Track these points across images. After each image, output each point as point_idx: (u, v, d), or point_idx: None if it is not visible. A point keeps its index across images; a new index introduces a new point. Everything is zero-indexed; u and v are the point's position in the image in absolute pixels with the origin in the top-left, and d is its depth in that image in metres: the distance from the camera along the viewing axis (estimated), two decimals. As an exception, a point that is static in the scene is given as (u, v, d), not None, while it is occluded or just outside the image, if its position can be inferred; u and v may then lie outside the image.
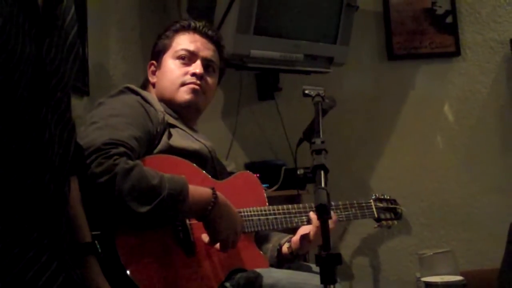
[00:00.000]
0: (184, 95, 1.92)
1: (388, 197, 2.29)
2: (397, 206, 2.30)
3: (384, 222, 2.25)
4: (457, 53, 3.41)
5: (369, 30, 3.43)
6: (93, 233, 1.45)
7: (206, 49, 1.98)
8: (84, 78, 2.27)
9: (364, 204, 2.17)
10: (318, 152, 1.38)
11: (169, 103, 1.93)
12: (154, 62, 2.02)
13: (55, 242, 1.17)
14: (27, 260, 1.10)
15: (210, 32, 2.01)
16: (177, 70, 1.94)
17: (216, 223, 1.65)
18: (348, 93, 3.33)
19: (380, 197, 2.27)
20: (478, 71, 3.42)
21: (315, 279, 1.18)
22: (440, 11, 3.42)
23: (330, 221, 1.90)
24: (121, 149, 1.55)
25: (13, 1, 1.08)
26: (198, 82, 1.93)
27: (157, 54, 2.01)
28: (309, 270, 1.96)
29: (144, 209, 1.49)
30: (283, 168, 2.92)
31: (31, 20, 1.13)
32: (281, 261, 2.01)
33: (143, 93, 1.86)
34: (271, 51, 2.77)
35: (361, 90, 3.40)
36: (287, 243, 2.01)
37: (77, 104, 2.14)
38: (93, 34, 2.35)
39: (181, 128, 1.88)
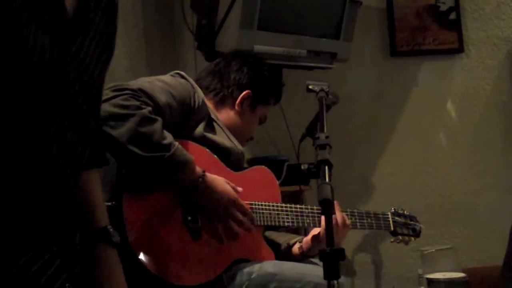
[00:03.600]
0: (243, 145, 2.03)
1: (407, 213, 2.24)
2: (416, 223, 2.24)
3: (400, 237, 2.19)
4: (460, 49, 3.40)
5: (372, 26, 3.42)
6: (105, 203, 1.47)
7: None
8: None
9: (380, 216, 2.13)
10: (323, 147, 1.38)
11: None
12: (251, 94, 2.00)
13: (57, 242, 1.17)
14: (29, 257, 1.09)
15: None
16: (253, 128, 2.08)
17: (205, 198, 1.69)
18: (351, 89, 3.32)
19: (399, 211, 2.21)
20: (481, 68, 3.41)
21: (320, 270, 1.18)
22: (443, 8, 3.41)
23: (339, 222, 1.93)
24: (151, 104, 1.61)
25: (33, 5, 1.03)
26: None
27: (259, 94, 2.02)
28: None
29: (142, 153, 1.54)
30: (286, 163, 2.92)
31: (57, 26, 1.08)
32: (289, 259, 2.00)
33: (191, 80, 1.88)
34: (275, 46, 2.77)
35: (364, 86, 3.40)
36: (298, 243, 2.02)
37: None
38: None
39: (220, 126, 1.91)
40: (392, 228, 2.16)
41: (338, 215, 1.96)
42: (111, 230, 1.30)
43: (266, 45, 2.72)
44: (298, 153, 2.49)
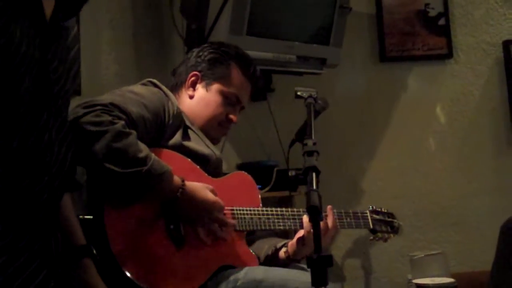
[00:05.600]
0: (216, 133, 2.00)
1: (385, 210, 2.24)
2: (394, 220, 2.25)
3: (379, 234, 2.20)
4: (449, 55, 3.41)
5: (362, 32, 3.43)
6: (86, 217, 1.50)
7: (246, 97, 2.05)
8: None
9: (359, 214, 2.14)
10: (310, 153, 1.38)
11: (195, 123, 1.94)
12: (199, 74, 1.99)
13: (44, 249, 1.16)
14: (15, 268, 1.09)
15: (257, 82, 2.08)
16: (220, 108, 1.98)
17: (186, 208, 1.67)
18: (341, 94, 3.33)
19: (377, 209, 2.22)
20: (470, 73, 3.43)
21: (306, 275, 1.18)
22: (432, 13, 3.42)
23: (329, 226, 1.94)
24: (124, 117, 1.58)
25: (18, 6, 1.09)
26: (230, 126, 2.02)
27: (208, 72, 1.99)
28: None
29: (118, 169, 1.51)
30: (275, 169, 2.92)
31: (37, 29, 1.14)
32: (276, 263, 2.00)
33: (164, 88, 1.87)
34: (264, 52, 2.77)
35: (354, 92, 3.40)
36: (284, 248, 2.01)
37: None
38: (85, 34, 2.34)
39: (195, 132, 1.90)
40: (371, 226, 2.16)
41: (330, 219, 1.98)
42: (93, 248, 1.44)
43: (256, 50, 2.72)
44: (287, 159, 2.50)
